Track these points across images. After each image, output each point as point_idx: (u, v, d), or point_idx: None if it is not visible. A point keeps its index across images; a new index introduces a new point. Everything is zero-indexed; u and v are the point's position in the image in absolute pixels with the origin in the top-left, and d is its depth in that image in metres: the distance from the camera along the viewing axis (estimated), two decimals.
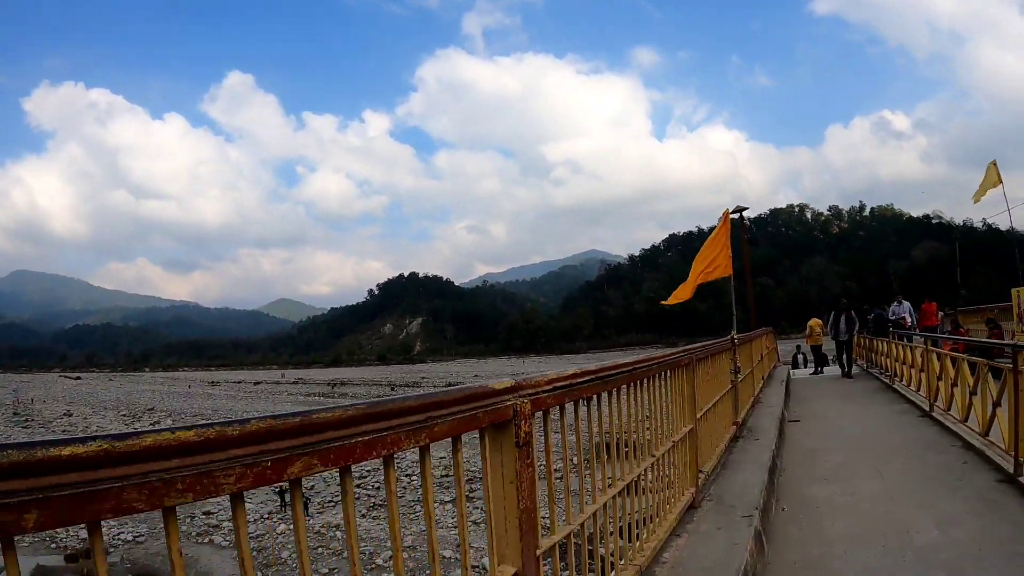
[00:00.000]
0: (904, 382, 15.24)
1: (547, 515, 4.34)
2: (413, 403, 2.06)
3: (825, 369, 23.55)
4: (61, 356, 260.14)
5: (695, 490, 5.94)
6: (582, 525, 3.31)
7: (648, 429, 4.68)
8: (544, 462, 3.12)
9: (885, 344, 18.27)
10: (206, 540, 15.85)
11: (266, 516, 17.78)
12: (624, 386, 4.05)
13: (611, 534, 3.82)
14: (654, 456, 4.62)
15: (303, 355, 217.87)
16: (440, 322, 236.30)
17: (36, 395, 71.53)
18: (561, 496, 3.34)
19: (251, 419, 1.61)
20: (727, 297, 11.86)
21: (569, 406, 3.26)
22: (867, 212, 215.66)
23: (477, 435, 2.52)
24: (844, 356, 20.43)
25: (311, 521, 17.12)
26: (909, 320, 21.00)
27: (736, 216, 29.17)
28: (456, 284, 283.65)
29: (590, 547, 3.50)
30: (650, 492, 4.70)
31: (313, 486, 20.65)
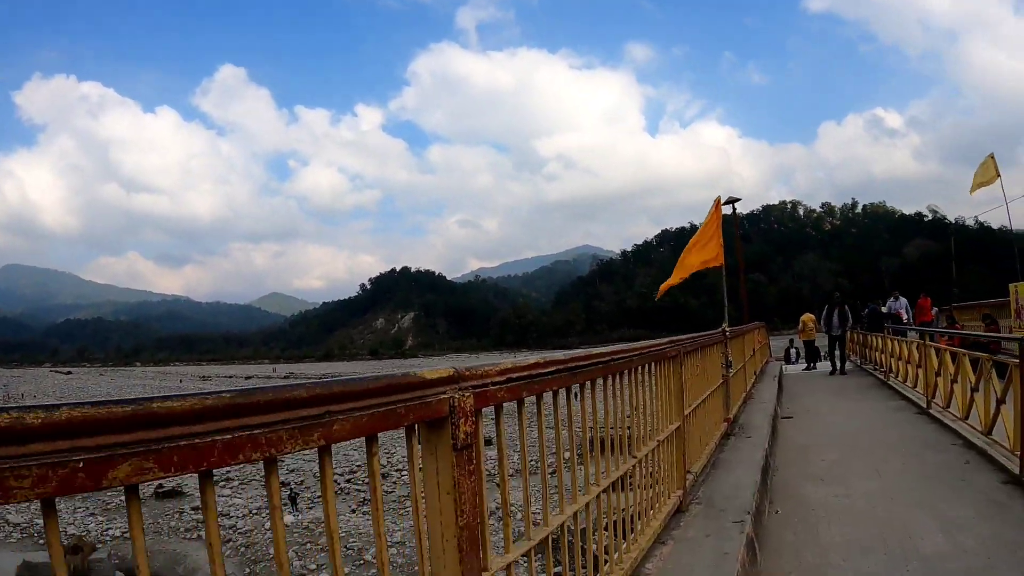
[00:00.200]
0: (899, 378, 14.95)
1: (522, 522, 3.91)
2: (303, 393, 1.60)
3: (818, 364, 23.21)
4: (52, 351, 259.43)
5: (682, 492, 5.50)
6: (546, 539, 2.85)
7: (629, 427, 4.24)
8: (517, 461, 2.69)
9: (880, 340, 17.95)
10: (194, 536, 15.56)
11: (255, 511, 17.42)
12: (599, 379, 3.61)
13: (583, 546, 3.39)
14: (635, 457, 4.18)
15: (295, 349, 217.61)
16: (432, 317, 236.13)
17: (26, 390, 71.16)
18: (522, 504, 2.91)
19: (62, 405, 1.17)
20: (720, 292, 11.49)
21: (531, 401, 2.81)
22: (860, 209, 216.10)
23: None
24: (837, 352, 20.00)
25: (300, 517, 16.86)
26: (905, 316, 20.71)
27: (728, 207, 28.94)
28: (448, 279, 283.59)
29: (557, 562, 3.08)
30: (631, 496, 4.27)
31: (303, 480, 20.34)
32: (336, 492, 14.53)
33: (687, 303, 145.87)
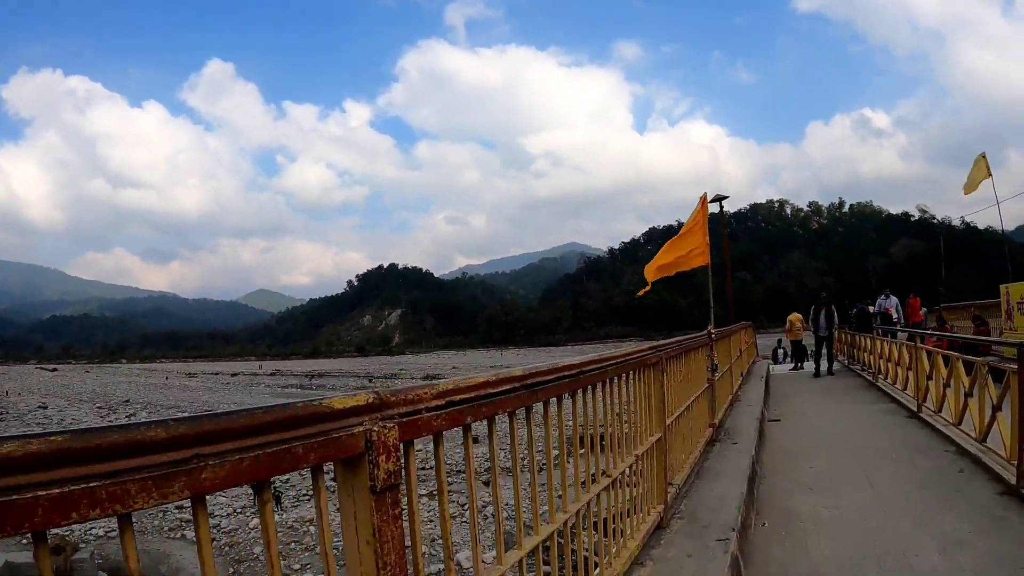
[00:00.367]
0: (889, 380, 14.70)
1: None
2: (162, 434, 1.24)
3: (805, 364, 22.98)
4: (38, 347, 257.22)
5: (664, 507, 5.16)
6: None
7: (603, 443, 3.90)
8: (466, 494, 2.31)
9: (868, 340, 17.70)
10: (178, 536, 15.23)
11: (239, 510, 17.11)
12: (567, 395, 3.26)
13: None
14: (610, 477, 3.84)
15: (281, 346, 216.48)
16: (419, 314, 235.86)
17: (11, 387, 70.36)
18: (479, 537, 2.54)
19: None
20: (707, 291, 11.18)
21: (480, 427, 2.45)
22: (846, 208, 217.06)
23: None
24: (824, 352, 19.70)
25: (283, 516, 16.59)
26: (896, 315, 20.49)
27: (715, 205, 28.63)
28: (436, 276, 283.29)
29: None
30: (607, 515, 3.92)
31: (288, 479, 20.02)
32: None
33: (675, 302, 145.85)
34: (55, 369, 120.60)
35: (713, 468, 7.20)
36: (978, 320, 18.73)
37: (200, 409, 37.86)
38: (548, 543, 2.97)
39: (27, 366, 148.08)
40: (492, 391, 2.42)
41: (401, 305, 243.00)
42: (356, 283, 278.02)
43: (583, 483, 3.53)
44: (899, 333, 15.60)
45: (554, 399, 3.07)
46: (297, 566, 13.40)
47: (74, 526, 16.31)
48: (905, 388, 12.95)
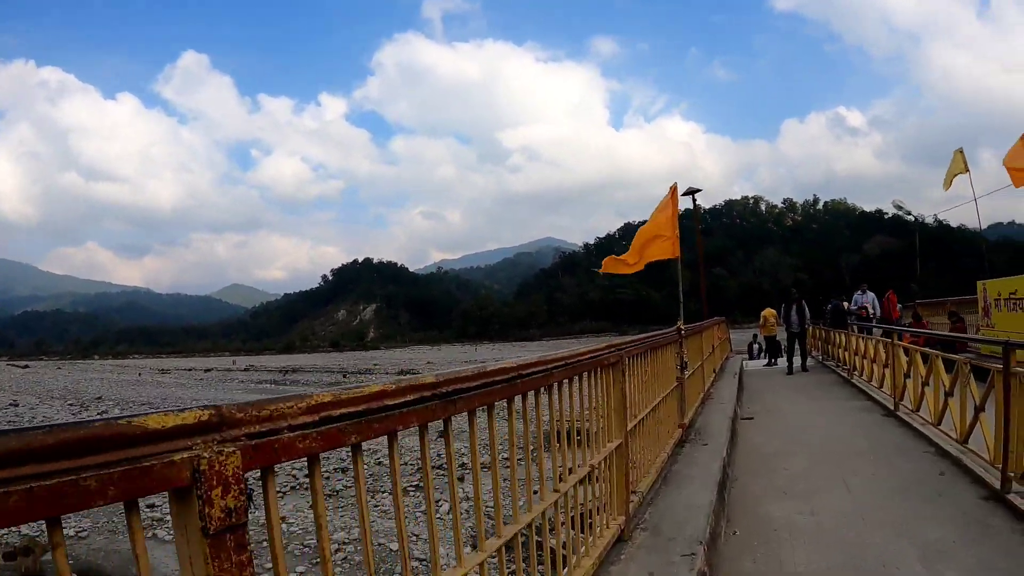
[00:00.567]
0: (864, 377, 14.40)
1: None
2: None
3: (779, 360, 22.71)
4: (9, 344, 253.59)
5: (625, 519, 4.71)
6: None
7: (554, 454, 3.46)
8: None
9: (843, 336, 17.41)
10: (150, 535, 14.77)
11: None
12: (501, 401, 2.84)
13: None
14: (558, 492, 3.39)
15: (256, 341, 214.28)
16: (394, 308, 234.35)
17: None
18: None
19: None
20: (678, 287, 10.73)
21: (377, 444, 1.99)
22: (821, 205, 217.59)
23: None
24: (798, 348, 19.38)
25: (256, 513, 16.16)
26: (872, 311, 20.25)
27: (688, 199, 28.35)
28: (411, 270, 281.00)
29: None
30: (556, 536, 3.48)
31: (248, 477, 19.56)
32: (294, 487, 13.58)
33: (649, 296, 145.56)
34: (27, 366, 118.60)
35: (682, 472, 6.76)
36: (954, 316, 18.53)
37: (174, 405, 37.54)
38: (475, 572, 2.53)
39: None
40: (391, 403, 1.98)
41: (376, 300, 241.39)
42: (331, 278, 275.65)
43: (523, 504, 3.08)
44: (874, 329, 15.33)
45: (483, 408, 2.63)
46: (268, 565, 13.02)
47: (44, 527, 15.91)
48: (881, 386, 12.65)
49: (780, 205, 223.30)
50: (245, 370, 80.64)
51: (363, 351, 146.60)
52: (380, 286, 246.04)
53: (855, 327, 17.19)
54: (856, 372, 15.31)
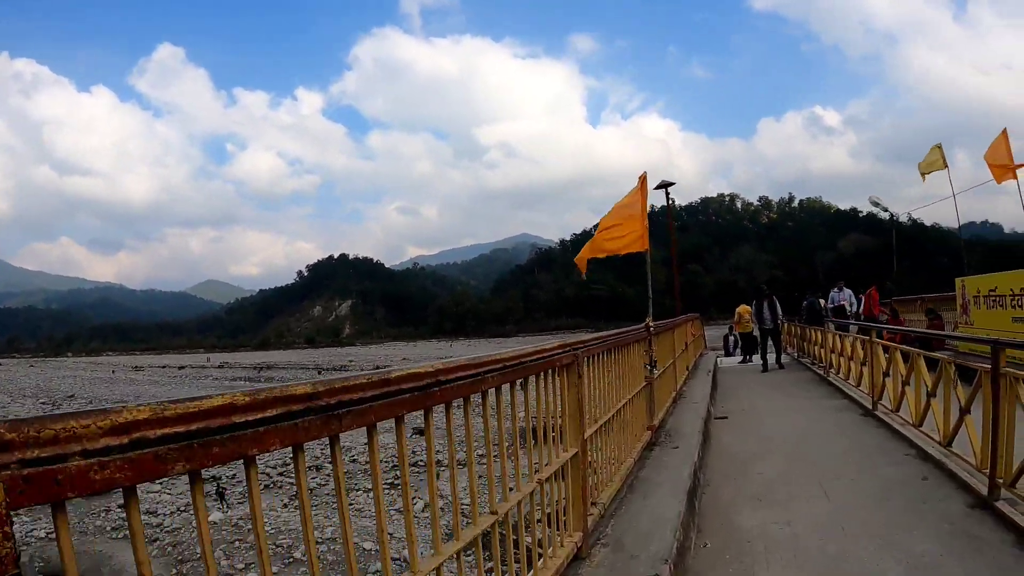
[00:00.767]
0: (841, 375, 14.11)
1: None
2: None
3: (754, 357, 22.44)
4: None
5: (583, 535, 4.24)
6: None
7: (494, 467, 2.98)
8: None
9: (819, 333, 17.11)
10: (120, 536, 14.41)
11: (183, 508, 16.27)
12: (411, 413, 2.34)
13: None
14: (495, 514, 2.91)
15: (231, 338, 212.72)
16: (370, 305, 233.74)
17: None
18: None
19: None
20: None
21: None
22: (796, 203, 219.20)
23: None
24: (772, 345, 19.04)
25: (229, 513, 15.84)
26: (849, 308, 20.06)
27: (660, 192, 28.04)
28: (387, 266, 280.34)
29: None
30: (497, 561, 3.00)
31: (235, 475, 19.15)
32: (268, 486, 13.16)
33: (624, 293, 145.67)
34: None
35: (650, 478, 6.28)
36: (932, 314, 18.33)
37: (147, 403, 37.27)
38: None
39: None
40: (244, 420, 1.52)
41: (352, 296, 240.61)
42: (306, 274, 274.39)
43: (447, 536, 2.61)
44: (851, 327, 15.07)
45: (390, 420, 2.16)
46: (241, 565, 12.78)
47: (20, 527, 15.55)
48: (859, 384, 12.34)
49: (756, 203, 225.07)
50: (219, 367, 79.99)
51: (339, 347, 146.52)
52: (356, 282, 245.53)
53: (831, 324, 16.90)
54: (833, 370, 14.99)
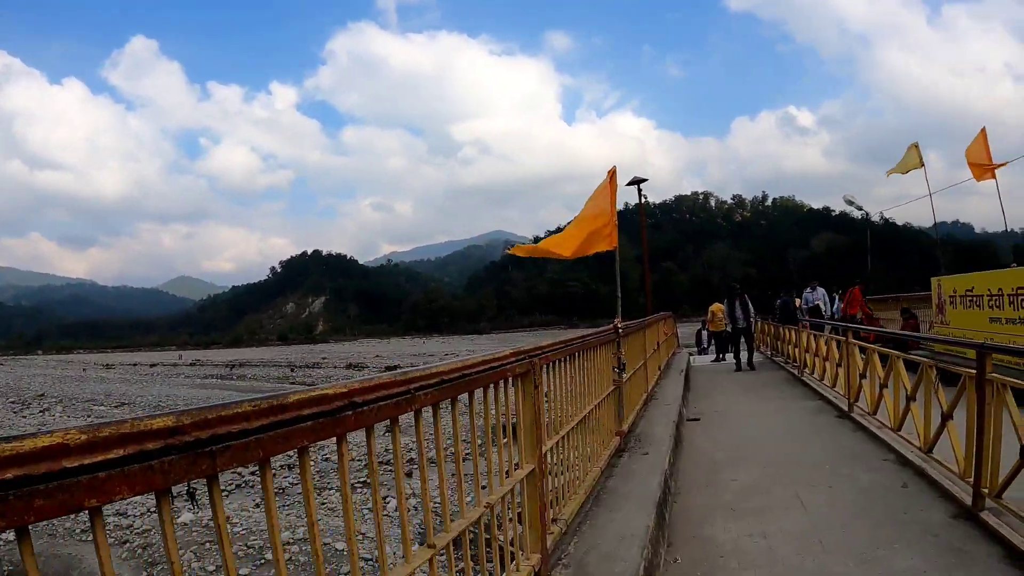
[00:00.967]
0: (816, 375, 13.88)
1: None
2: None
3: (727, 356, 22.21)
4: None
5: (541, 558, 3.84)
6: None
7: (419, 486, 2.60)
8: None
9: (794, 333, 16.88)
10: (89, 538, 14.01)
11: (153, 510, 15.85)
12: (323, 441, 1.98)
13: None
14: (433, 548, 2.51)
15: (203, 335, 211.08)
16: (343, 301, 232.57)
17: None
18: None
19: None
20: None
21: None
22: (769, 202, 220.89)
23: None
24: (744, 345, 18.75)
25: (199, 514, 15.47)
26: (824, 308, 19.91)
27: (632, 187, 27.75)
28: (360, 262, 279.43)
29: None
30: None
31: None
32: (239, 485, 12.81)
33: (598, 290, 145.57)
34: None
35: (617, 489, 5.90)
36: (907, 313, 18.20)
37: (117, 401, 36.75)
38: None
39: None
40: (80, 464, 1.16)
41: (325, 292, 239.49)
42: (279, 270, 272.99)
43: None
44: (827, 326, 14.87)
45: (289, 453, 1.79)
46: (212, 567, 12.48)
47: None
48: (834, 385, 12.13)
49: (729, 201, 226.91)
50: (191, 365, 79.53)
51: (312, 344, 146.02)
52: (329, 278, 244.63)
53: (806, 323, 16.70)
54: (807, 370, 14.78)
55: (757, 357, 19.40)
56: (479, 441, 3.24)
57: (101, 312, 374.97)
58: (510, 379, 3.55)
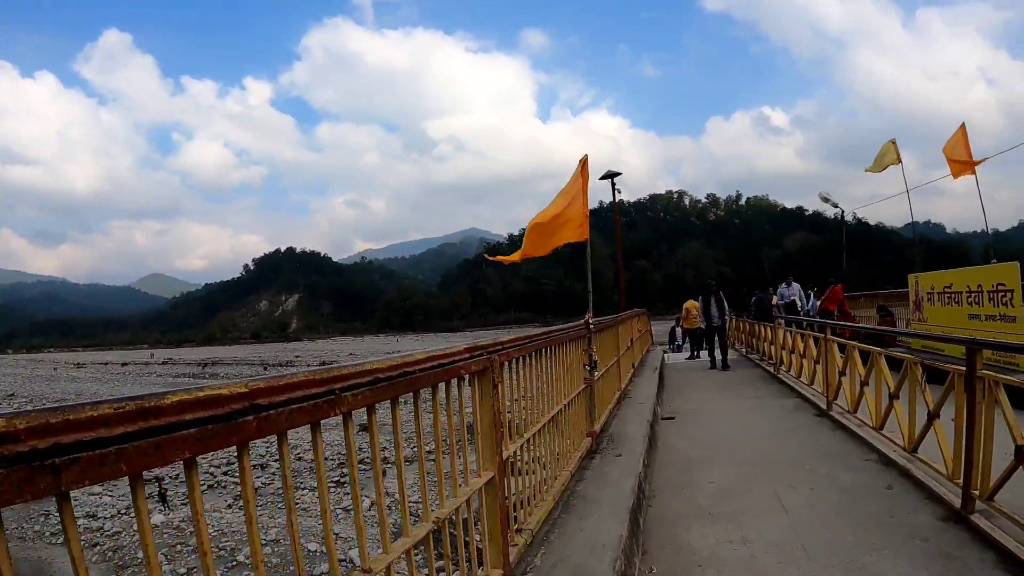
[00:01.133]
0: (792, 372, 13.70)
1: None
2: None
3: (702, 354, 22.00)
4: None
5: (503, 573, 3.50)
6: None
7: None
8: None
9: (770, 330, 16.65)
10: (59, 541, 13.57)
11: (123, 511, 15.46)
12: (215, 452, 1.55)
13: None
14: (368, 573, 2.12)
15: (176, 333, 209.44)
16: (317, 299, 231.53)
17: None
18: None
19: None
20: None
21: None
22: (743, 201, 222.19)
23: None
24: (718, 343, 18.44)
25: (171, 515, 15.13)
26: (800, 304, 19.77)
27: (605, 181, 27.52)
28: (334, 260, 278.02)
29: None
30: None
31: (178, 475, 18.32)
32: (211, 486, 12.45)
33: (573, 287, 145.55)
34: None
35: (588, 494, 5.53)
36: (883, 311, 18.10)
37: (89, 399, 36.48)
38: None
39: None
40: None
41: (298, 290, 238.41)
42: (252, 267, 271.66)
43: None
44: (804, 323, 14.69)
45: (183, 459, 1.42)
46: (183, 570, 12.15)
47: None
48: (812, 382, 11.87)
49: (704, 200, 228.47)
50: (163, 363, 78.79)
51: (285, 342, 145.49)
52: (303, 276, 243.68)
53: (783, 320, 16.49)
54: (783, 367, 14.61)
55: (732, 355, 19.17)
56: (427, 448, 2.88)
57: (73, 310, 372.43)
58: (465, 377, 3.17)
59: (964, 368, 5.35)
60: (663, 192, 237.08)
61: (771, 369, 15.79)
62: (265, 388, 1.70)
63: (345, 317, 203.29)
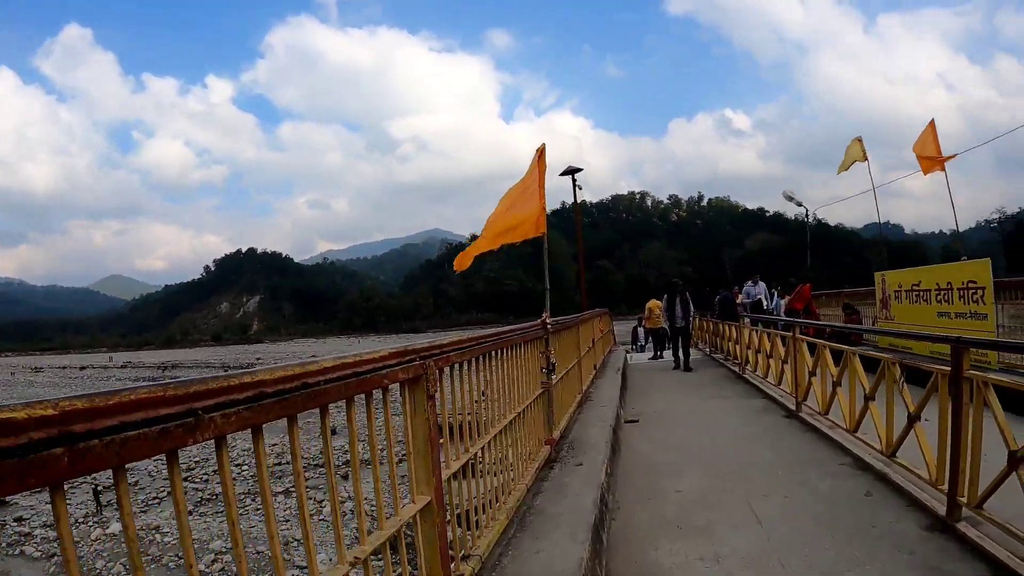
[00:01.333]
0: (759, 372, 13.39)
1: None
2: None
3: (665, 354, 21.74)
4: None
5: None
6: None
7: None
8: None
9: (735, 329, 16.37)
10: (17, 552, 13.59)
11: (81, 520, 14.86)
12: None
13: None
14: None
15: (136, 335, 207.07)
16: (278, 300, 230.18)
17: None
18: None
19: None
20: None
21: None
22: (705, 202, 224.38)
23: None
24: (681, 345, 18.04)
25: (110, 526, 14.55)
26: (766, 303, 19.60)
27: (564, 177, 27.27)
28: (296, 261, 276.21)
29: None
30: None
31: (137, 481, 17.67)
32: (170, 493, 12.20)
33: (535, 287, 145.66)
34: None
35: (545, 510, 5.03)
36: (849, 309, 18.06)
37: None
38: None
39: None
40: None
41: (260, 291, 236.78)
42: (213, 268, 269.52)
43: None
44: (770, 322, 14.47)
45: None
46: None
47: None
48: (779, 382, 11.59)
49: (666, 201, 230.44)
50: (122, 367, 78.04)
51: (246, 344, 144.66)
52: (264, 277, 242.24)
53: (748, 319, 16.22)
54: (749, 367, 14.35)
55: (695, 354, 18.91)
56: (337, 474, 2.40)
57: (31, 312, 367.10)
58: (400, 384, 2.67)
59: (949, 368, 5.00)
60: (625, 193, 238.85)
61: (736, 369, 15.51)
62: (85, 410, 1.19)
63: (307, 319, 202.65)
